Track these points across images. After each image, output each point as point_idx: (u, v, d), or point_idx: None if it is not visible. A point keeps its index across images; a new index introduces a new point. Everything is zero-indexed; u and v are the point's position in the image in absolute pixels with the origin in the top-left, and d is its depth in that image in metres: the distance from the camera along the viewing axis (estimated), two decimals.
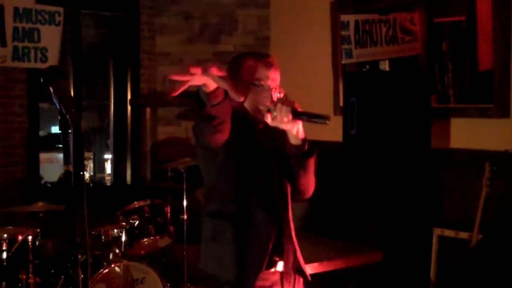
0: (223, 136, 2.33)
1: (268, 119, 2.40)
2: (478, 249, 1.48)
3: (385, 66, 5.14)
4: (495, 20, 3.89)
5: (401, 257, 4.00)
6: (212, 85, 2.14)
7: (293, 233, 2.64)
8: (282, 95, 2.50)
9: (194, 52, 5.79)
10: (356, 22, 4.96)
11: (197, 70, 2.07)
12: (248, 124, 2.56)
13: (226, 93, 2.19)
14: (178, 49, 5.83)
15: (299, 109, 2.39)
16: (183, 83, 2.08)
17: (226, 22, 5.84)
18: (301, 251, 2.64)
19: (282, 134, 2.61)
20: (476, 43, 4.50)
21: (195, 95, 2.23)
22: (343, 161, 4.23)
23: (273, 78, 2.55)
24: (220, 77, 2.12)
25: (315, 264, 3.63)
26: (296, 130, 2.44)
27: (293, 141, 2.49)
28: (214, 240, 2.55)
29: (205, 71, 2.08)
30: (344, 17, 4.98)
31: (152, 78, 5.85)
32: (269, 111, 2.39)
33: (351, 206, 4.71)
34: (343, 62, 5.01)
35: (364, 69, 5.05)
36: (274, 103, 2.40)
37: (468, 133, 4.12)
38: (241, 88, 2.36)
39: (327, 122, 2.35)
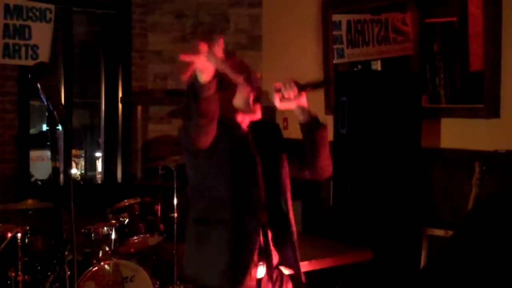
0: (208, 137, 2.31)
1: (277, 101, 2.44)
2: (452, 243, 1.49)
3: (377, 66, 5.15)
4: (486, 22, 3.90)
5: (391, 256, 4.00)
6: (209, 72, 2.16)
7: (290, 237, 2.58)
8: (259, 75, 2.55)
9: (186, 51, 5.76)
10: (348, 22, 4.97)
11: (204, 47, 2.15)
12: (233, 129, 2.52)
13: (217, 87, 2.20)
14: (170, 47, 5.82)
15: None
16: (190, 64, 2.14)
17: (218, 21, 5.83)
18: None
19: (272, 133, 2.60)
20: (467, 44, 4.52)
21: (189, 87, 2.23)
22: (334, 160, 4.22)
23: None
24: (222, 60, 2.17)
25: (305, 263, 3.62)
26: (303, 104, 2.48)
27: (304, 118, 2.51)
28: (198, 245, 2.54)
29: (211, 51, 2.16)
30: (336, 17, 4.99)
31: (143, 76, 5.84)
32: (278, 91, 2.43)
33: (341, 205, 4.70)
34: (334, 61, 5.01)
35: (355, 69, 5.05)
36: (281, 84, 2.43)
37: (458, 133, 4.13)
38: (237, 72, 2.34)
39: (330, 84, 2.44)
